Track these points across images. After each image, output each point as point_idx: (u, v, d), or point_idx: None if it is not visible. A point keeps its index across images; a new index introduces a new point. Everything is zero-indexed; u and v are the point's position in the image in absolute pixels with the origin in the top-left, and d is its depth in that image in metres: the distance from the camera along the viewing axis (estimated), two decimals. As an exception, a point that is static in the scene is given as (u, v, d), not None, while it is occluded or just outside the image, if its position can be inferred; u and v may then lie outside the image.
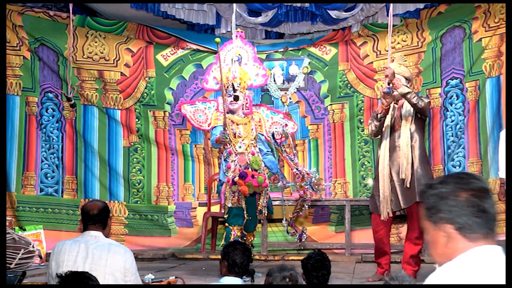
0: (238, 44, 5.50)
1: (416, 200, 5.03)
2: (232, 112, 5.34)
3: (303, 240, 5.31)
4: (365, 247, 6.74)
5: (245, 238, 5.21)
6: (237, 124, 5.34)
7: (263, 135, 5.55)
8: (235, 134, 5.29)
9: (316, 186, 5.23)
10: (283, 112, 7.11)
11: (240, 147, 5.28)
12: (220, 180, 5.32)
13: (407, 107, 5.23)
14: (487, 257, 1.53)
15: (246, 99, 5.44)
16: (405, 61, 5.55)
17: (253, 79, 5.52)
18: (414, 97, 5.03)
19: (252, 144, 5.36)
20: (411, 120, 5.19)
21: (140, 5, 6.62)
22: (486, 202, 1.59)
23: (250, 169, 5.18)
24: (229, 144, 5.28)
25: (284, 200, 6.87)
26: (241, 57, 5.48)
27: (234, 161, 5.22)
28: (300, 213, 5.47)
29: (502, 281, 1.47)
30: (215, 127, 5.40)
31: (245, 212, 5.18)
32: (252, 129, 5.40)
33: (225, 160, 5.31)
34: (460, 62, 6.74)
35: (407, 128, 5.19)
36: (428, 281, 1.55)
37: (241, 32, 5.60)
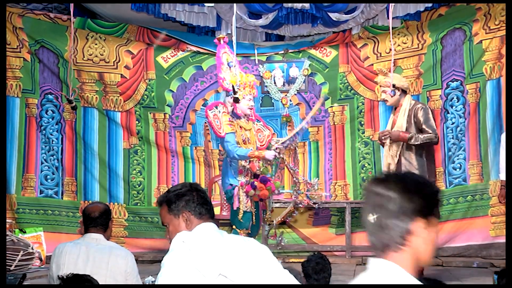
0: (225, 50, 5.35)
1: None
2: (238, 117, 5.27)
3: (283, 243, 5.58)
4: (366, 250, 6.73)
5: None
6: (245, 130, 5.29)
7: None
8: (244, 140, 5.23)
9: (314, 196, 5.27)
10: (284, 114, 7.15)
11: None
12: (231, 184, 5.22)
13: (398, 123, 5.28)
14: (209, 228, 2.41)
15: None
16: (385, 72, 5.52)
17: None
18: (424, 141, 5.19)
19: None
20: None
21: (140, 7, 6.61)
22: (207, 197, 2.52)
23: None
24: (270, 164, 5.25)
25: (285, 203, 6.90)
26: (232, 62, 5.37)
27: (245, 166, 5.18)
28: (288, 218, 5.53)
29: (212, 238, 2.32)
30: (228, 133, 5.12)
31: (254, 216, 5.18)
32: (255, 135, 5.38)
33: (230, 165, 5.24)
34: (461, 64, 6.75)
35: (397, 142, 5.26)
36: (176, 239, 2.35)
37: (225, 37, 5.41)
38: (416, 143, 5.15)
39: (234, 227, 5.23)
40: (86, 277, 2.60)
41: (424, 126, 5.20)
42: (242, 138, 5.22)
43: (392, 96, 5.36)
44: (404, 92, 5.39)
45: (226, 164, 5.27)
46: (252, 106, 5.30)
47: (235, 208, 5.18)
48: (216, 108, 5.21)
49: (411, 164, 5.20)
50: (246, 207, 5.14)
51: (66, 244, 3.42)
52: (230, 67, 5.25)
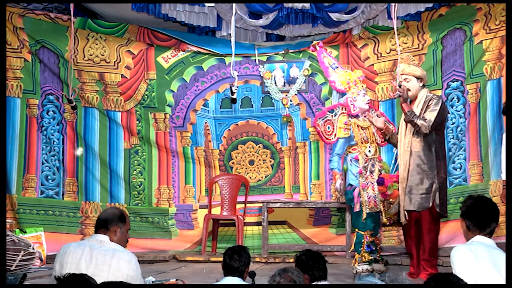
0: (325, 54, 5.45)
1: (406, 209, 5.12)
2: (356, 116, 5.21)
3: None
4: (366, 250, 6.74)
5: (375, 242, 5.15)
6: (362, 129, 5.21)
7: None
8: (362, 139, 5.17)
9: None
10: (284, 114, 7.14)
11: (369, 151, 5.18)
12: (351, 185, 5.13)
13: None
14: None
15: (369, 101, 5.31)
16: (413, 60, 5.57)
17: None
18: (413, 119, 5.13)
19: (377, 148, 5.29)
20: (410, 128, 5.22)
21: (141, 7, 6.61)
22: None
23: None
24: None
25: (285, 203, 6.89)
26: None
27: (366, 166, 5.10)
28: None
29: None
30: (340, 138, 5.16)
31: (381, 214, 5.17)
32: (373, 133, 5.29)
33: (351, 164, 5.14)
34: (461, 64, 6.75)
35: (407, 134, 5.23)
36: None
37: (319, 42, 5.50)
38: (408, 110, 5.11)
39: (357, 230, 5.16)
40: (83, 276, 2.60)
41: (424, 113, 5.18)
42: (359, 137, 5.17)
43: (397, 91, 5.31)
44: (421, 81, 5.39)
45: (346, 163, 5.19)
46: (368, 100, 5.28)
47: (356, 210, 5.11)
48: (332, 112, 5.22)
49: (420, 158, 5.18)
50: (370, 208, 5.07)
51: (71, 244, 3.46)
52: (334, 69, 5.32)
